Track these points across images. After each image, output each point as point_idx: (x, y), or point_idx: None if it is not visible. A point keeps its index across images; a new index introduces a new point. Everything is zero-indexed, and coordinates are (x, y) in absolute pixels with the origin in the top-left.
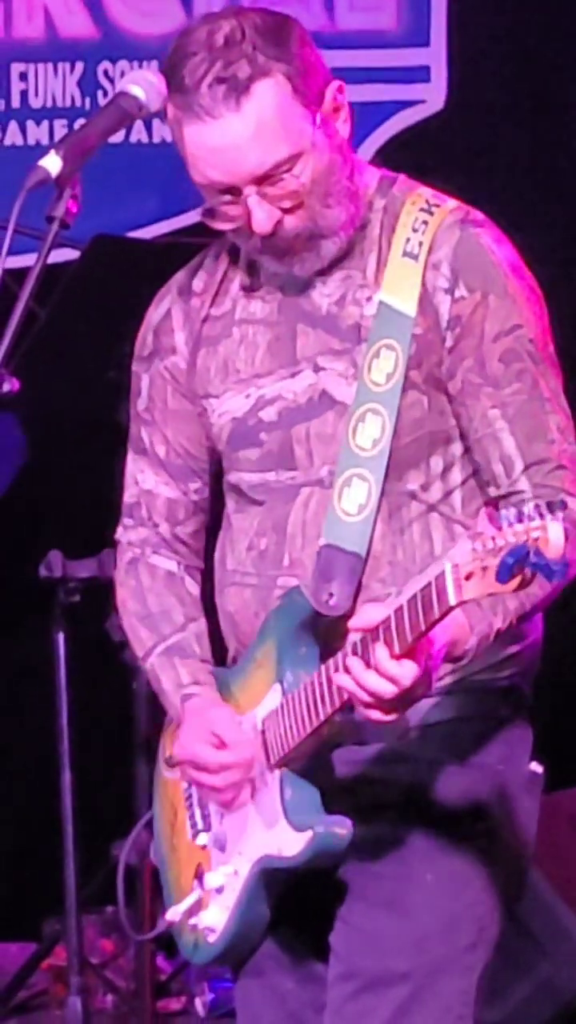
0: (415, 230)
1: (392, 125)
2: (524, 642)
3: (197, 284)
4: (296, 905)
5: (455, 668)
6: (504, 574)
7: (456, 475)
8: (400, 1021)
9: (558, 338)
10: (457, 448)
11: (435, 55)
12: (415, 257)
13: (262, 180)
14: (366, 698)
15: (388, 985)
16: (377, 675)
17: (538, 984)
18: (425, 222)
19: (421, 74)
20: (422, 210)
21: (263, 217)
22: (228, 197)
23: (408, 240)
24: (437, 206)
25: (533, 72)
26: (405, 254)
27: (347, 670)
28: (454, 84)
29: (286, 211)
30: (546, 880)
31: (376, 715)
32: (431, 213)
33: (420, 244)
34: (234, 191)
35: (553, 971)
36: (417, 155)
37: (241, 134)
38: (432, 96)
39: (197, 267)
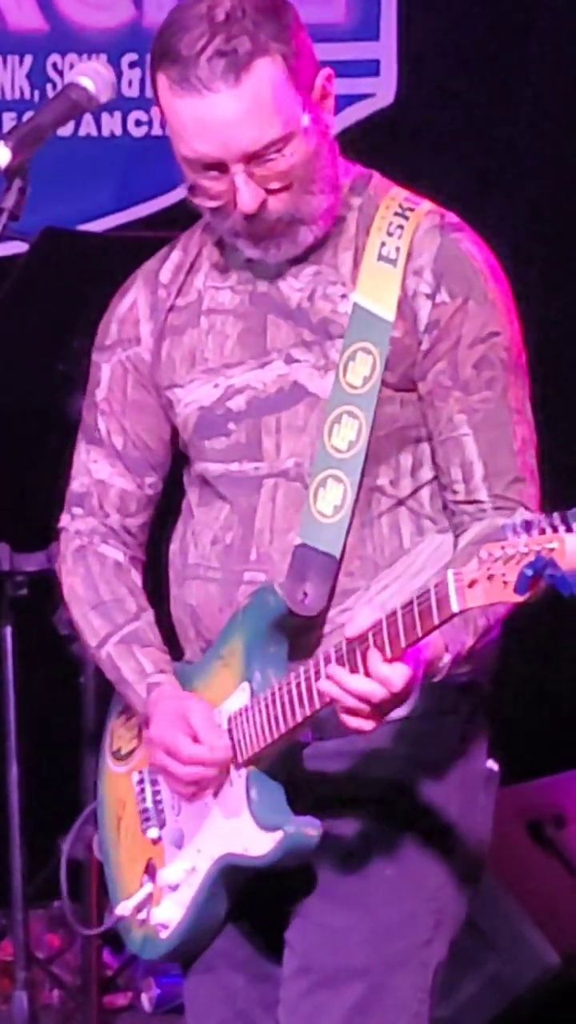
0: (390, 234)
1: (342, 119)
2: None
3: (164, 275)
4: (248, 902)
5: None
6: (523, 586)
7: (426, 472)
8: (356, 1018)
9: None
10: (427, 448)
11: (385, 49)
12: (392, 262)
13: (252, 158)
14: (352, 703)
15: (344, 981)
16: (366, 678)
17: (487, 980)
18: (400, 226)
19: (371, 68)
20: (396, 214)
21: (249, 196)
22: (214, 173)
23: (384, 244)
24: (411, 210)
25: (483, 66)
26: (381, 258)
27: (329, 677)
28: (404, 78)
29: (271, 192)
30: (495, 876)
31: (356, 723)
32: (406, 218)
33: (397, 249)
34: (221, 167)
35: (501, 967)
36: (367, 149)
37: (237, 110)
38: (382, 90)
39: (164, 258)
